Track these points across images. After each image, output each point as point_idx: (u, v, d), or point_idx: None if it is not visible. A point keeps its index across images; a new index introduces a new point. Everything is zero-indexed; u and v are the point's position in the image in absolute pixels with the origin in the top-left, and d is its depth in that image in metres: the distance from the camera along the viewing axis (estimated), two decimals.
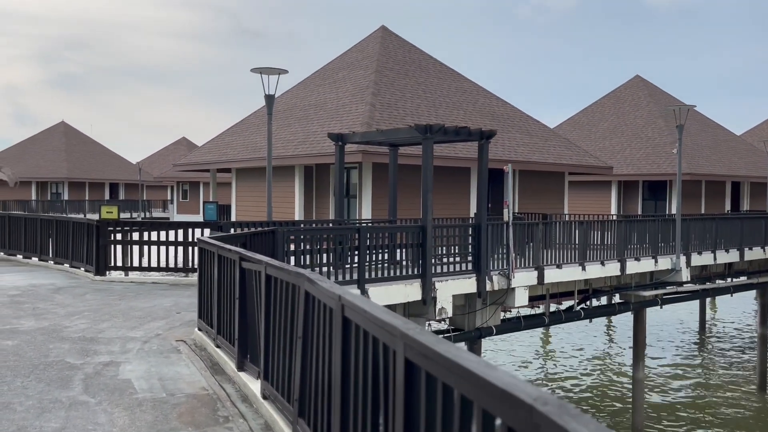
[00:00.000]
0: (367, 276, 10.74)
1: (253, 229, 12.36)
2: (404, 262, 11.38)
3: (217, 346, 6.46)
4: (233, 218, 23.37)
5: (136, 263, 12.10)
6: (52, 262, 13.81)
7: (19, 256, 15.04)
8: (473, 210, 20.73)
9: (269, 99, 13.10)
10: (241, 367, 5.69)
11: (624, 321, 25.12)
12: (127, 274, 12.10)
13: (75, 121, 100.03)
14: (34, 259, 14.48)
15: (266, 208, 21.52)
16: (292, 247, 10.02)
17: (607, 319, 26.67)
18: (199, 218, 51.63)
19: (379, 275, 11.03)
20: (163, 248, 12.18)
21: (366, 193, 18.08)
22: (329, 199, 19.50)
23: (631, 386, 18.06)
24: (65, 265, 13.26)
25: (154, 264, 12.38)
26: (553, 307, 15.48)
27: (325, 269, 10.31)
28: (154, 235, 12.37)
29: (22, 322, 8.01)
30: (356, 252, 10.63)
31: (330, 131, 19.22)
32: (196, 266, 12.00)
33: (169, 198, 59.26)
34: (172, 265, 12.14)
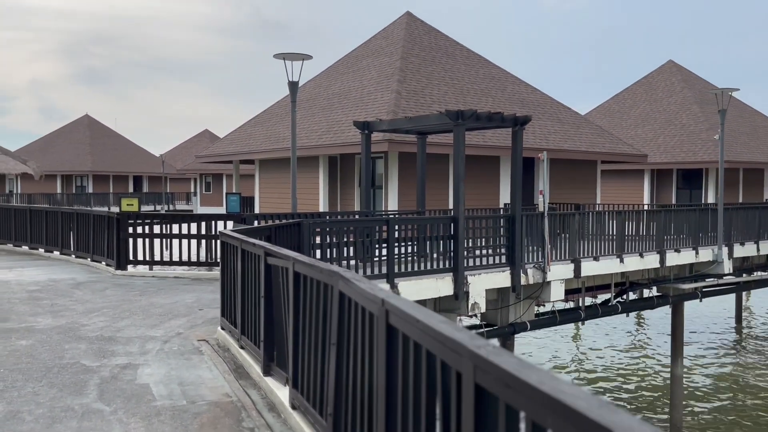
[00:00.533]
0: (396, 270, 10.25)
1: (277, 222, 11.93)
2: (434, 255, 10.86)
3: (241, 347, 6.02)
4: (257, 210, 23.03)
5: (157, 257, 11.75)
6: (73, 256, 13.54)
7: (41, 250, 14.81)
8: (503, 200, 20.09)
9: (293, 86, 12.61)
10: (267, 372, 5.22)
11: (654, 314, 24.31)
12: (150, 269, 11.76)
13: (99, 115, 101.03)
14: (56, 253, 14.24)
15: (290, 200, 21.17)
16: (318, 239, 9.57)
17: (637, 313, 25.87)
18: (223, 210, 51.53)
19: (409, 269, 10.53)
20: (185, 241, 11.81)
21: (392, 184, 17.55)
22: (354, 190, 19.02)
23: (669, 382, 17.36)
24: (87, 259, 12.98)
25: (176, 258, 12.02)
26: (588, 301, 14.83)
27: (352, 263, 9.83)
28: (175, 228, 12.00)
29: (39, 319, 7.66)
30: (384, 245, 10.14)
31: (355, 120, 18.74)
32: (219, 260, 11.62)
33: (192, 190, 59.36)
34: (194, 258, 11.76)
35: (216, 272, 11.46)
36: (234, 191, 25.49)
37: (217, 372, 5.61)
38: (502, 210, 18.54)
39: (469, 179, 19.14)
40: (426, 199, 17.63)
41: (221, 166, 46.34)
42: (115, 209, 20.04)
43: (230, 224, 11.52)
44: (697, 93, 30.55)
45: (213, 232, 11.61)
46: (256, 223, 11.38)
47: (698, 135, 27.86)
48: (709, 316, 26.16)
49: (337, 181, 19.73)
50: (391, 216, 13.12)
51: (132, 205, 11.55)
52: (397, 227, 10.35)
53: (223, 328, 6.85)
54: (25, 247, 15.43)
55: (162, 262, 11.68)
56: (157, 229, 11.84)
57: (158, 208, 52.38)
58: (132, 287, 10.16)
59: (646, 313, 25.67)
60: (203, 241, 11.78)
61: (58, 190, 53.94)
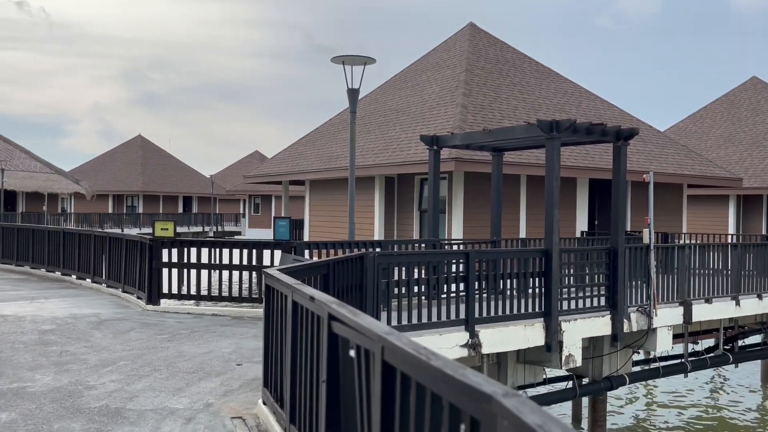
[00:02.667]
0: (476, 313, 8.37)
1: (329, 250, 10.20)
2: (514, 294, 8.93)
3: None
4: (306, 234, 21.47)
5: (193, 290, 10.17)
6: (104, 285, 12.13)
7: (73, 277, 13.50)
8: (579, 227, 17.97)
9: (352, 93, 10.97)
10: None
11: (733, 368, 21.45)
12: (186, 303, 10.19)
13: (154, 137, 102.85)
14: (87, 281, 12.88)
15: (343, 224, 19.49)
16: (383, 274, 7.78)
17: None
18: (270, 234, 50.52)
19: (492, 313, 8.62)
20: (225, 272, 10.20)
21: (457, 208, 15.69)
22: (413, 214, 17.24)
23: None
24: (118, 289, 11.53)
25: (215, 291, 10.42)
26: (689, 348, 12.57)
27: (410, 300, 7.98)
28: (215, 256, 10.40)
29: (38, 376, 6.06)
30: (452, 282, 8.28)
31: (415, 136, 17.01)
32: (261, 296, 9.95)
33: (241, 212, 58.70)
34: (236, 292, 10.13)
35: (260, 310, 9.79)
36: (283, 215, 24.02)
37: None
38: (578, 240, 16.44)
39: (537, 203, 17.13)
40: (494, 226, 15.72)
41: (270, 187, 45.34)
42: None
43: (278, 254, 9.87)
44: None
45: (257, 262, 9.98)
46: (306, 254, 9.70)
47: None
48: None
49: (394, 203, 17.99)
50: (468, 247, 11.24)
51: (167, 229, 10.03)
52: (479, 262, 8.47)
53: (264, 403, 5.09)
54: (57, 273, 14.16)
55: (199, 297, 10.09)
56: (193, 256, 10.26)
57: (207, 229, 51.72)
58: (161, 328, 8.56)
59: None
60: (246, 273, 10.15)
61: (110, 210, 54.01)
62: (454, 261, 8.59)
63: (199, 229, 50.95)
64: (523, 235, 16.39)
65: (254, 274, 10.02)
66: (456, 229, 15.57)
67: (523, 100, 18.36)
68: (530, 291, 9.00)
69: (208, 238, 43.28)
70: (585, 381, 11.07)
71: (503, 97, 18.01)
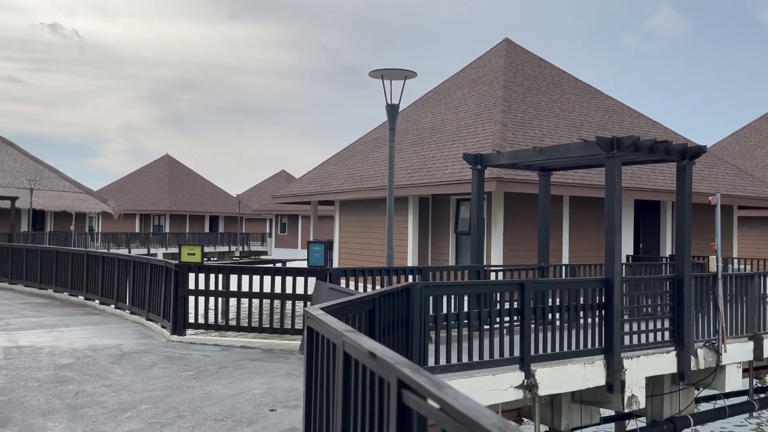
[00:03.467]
0: (532, 350, 7.54)
1: (366, 278, 9.47)
2: (578, 331, 8.08)
3: None
4: (336, 257, 20.77)
5: (221, 320, 9.49)
6: (128, 312, 11.54)
7: (96, 302, 12.96)
8: (624, 251, 16.98)
9: (391, 109, 10.29)
10: None
11: None
12: (211, 333, 9.52)
13: (182, 157, 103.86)
14: (111, 307, 12.31)
15: (375, 246, 18.78)
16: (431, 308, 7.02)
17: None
18: (297, 253, 49.94)
19: (548, 350, 7.78)
20: (255, 300, 9.51)
21: (496, 231, 14.87)
22: (449, 237, 16.45)
23: None
24: (141, 317, 10.92)
25: (244, 318, 9.75)
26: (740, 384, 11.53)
27: (461, 335, 7.18)
28: (245, 282, 9.72)
29: (50, 424, 5.40)
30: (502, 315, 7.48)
31: (451, 155, 16.28)
32: (295, 327, 9.24)
33: (267, 231, 58.41)
34: (267, 322, 9.42)
35: (291, 342, 9.08)
36: (311, 236, 23.40)
37: None
38: (624, 266, 15.48)
39: (583, 227, 16.22)
40: (530, 252, 14.85)
41: (297, 206, 44.94)
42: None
43: (312, 281, 9.17)
44: None
45: (291, 290, 9.29)
46: (342, 282, 8.99)
47: None
48: None
49: (428, 226, 17.23)
50: (517, 275, 10.43)
51: (194, 254, 9.40)
52: (534, 294, 7.65)
53: None
54: (80, 297, 13.65)
55: (227, 327, 9.41)
56: (221, 282, 9.60)
57: (233, 249, 51.43)
58: (187, 363, 7.88)
59: None
60: (278, 301, 9.46)
61: (137, 229, 54.08)
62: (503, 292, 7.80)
63: (225, 248, 50.69)
64: (566, 260, 15.49)
65: (287, 302, 9.33)
66: (495, 253, 14.73)
67: (564, 118, 17.56)
68: (582, 323, 8.15)
69: (237, 264, 42.91)
70: (642, 421, 10.12)
71: (543, 114, 17.23)
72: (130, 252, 43.75)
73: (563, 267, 11.90)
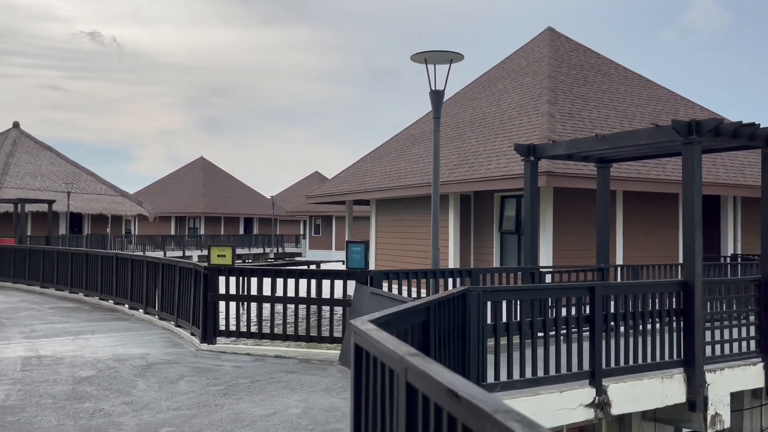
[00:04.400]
0: (603, 363, 6.63)
1: (410, 281, 8.65)
2: (654, 339, 7.13)
3: None
4: (372, 258, 19.99)
5: (254, 327, 8.78)
6: (157, 317, 10.94)
7: (126, 306, 12.41)
8: (682, 252, 15.80)
9: (436, 96, 9.45)
10: None
11: None
12: (243, 341, 8.82)
13: (216, 160, 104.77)
14: (140, 311, 11.75)
15: (414, 247, 17.94)
16: (488, 315, 6.16)
17: None
18: (332, 255, 49.42)
19: (621, 362, 6.85)
20: (290, 306, 8.78)
21: (545, 230, 13.89)
22: (492, 236, 15.52)
23: None
24: (171, 322, 10.29)
25: (278, 324, 9.02)
26: None
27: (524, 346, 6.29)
28: (279, 286, 8.99)
29: None
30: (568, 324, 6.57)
31: (494, 149, 15.36)
32: (334, 334, 8.46)
33: (301, 233, 58.05)
34: (303, 330, 8.68)
35: (329, 352, 8.31)
36: (347, 237, 22.66)
37: None
38: (680, 267, 14.35)
39: (638, 225, 15.13)
40: (579, 252, 13.85)
41: (331, 207, 44.34)
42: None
43: (351, 285, 8.39)
44: None
45: (326, 293, 8.53)
46: (384, 285, 8.19)
47: None
48: None
49: (470, 224, 16.32)
50: (574, 277, 9.49)
51: (224, 256, 8.71)
52: (605, 298, 6.73)
53: None
54: (110, 302, 13.13)
55: (260, 335, 8.69)
56: (254, 285, 8.88)
57: (267, 250, 51.16)
58: (216, 376, 7.17)
59: None
60: (314, 306, 8.70)
61: (172, 232, 54.24)
62: (567, 297, 6.90)
63: (260, 250, 50.44)
64: (619, 260, 14.43)
65: (324, 308, 8.56)
66: (544, 254, 13.76)
67: (614, 108, 16.47)
68: (654, 331, 7.18)
69: (270, 266, 42.51)
70: None
71: (592, 104, 16.18)
72: (165, 254, 43.76)
73: (624, 268, 10.89)
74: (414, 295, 8.47)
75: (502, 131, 15.78)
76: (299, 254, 51.34)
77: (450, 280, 8.75)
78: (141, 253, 41.29)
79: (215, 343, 8.70)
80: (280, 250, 52.56)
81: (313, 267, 48.20)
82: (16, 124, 44.43)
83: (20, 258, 17.23)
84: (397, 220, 18.88)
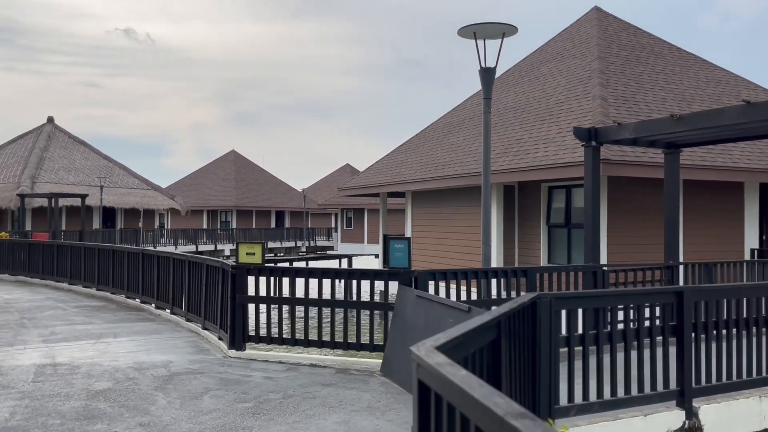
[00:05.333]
0: (693, 381, 5.65)
1: (459, 282, 7.75)
2: (750, 351, 6.11)
3: None
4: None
5: (286, 332, 7.98)
6: (183, 318, 10.25)
7: (152, 305, 11.77)
8: (748, 245, 14.57)
9: (486, 74, 8.49)
10: None
11: None
12: (274, 347, 8.04)
13: (247, 154, 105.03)
14: (166, 312, 11.08)
15: (456, 243, 16.99)
16: (563, 326, 5.24)
17: None
18: (364, 248, 48.63)
19: (712, 379, 5.85)
20: (326, 309, 7.96)
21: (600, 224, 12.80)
22: (539, 230, 14.50)
23: None
24: (197, 324, 9.59)
25: (312, 332, 8.21)
26: None
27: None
28: (312, 287, 8.18)
29: None
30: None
31: (541, 136, 14.33)
32: (374, 341, 7.62)
33: (332, 226, 57.47)
34: (340, 336, 7.86)
35: (371, 360, 7.47)
36: (381, 230, 21.81)
37: None
38: (747, 263, 13.12)
39: (700, 217, 13.94)
40: (634, 247, 12.77)
41: (363, 200, 43.57)
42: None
43: (394, 286, 7.53)
44: None
45: (364, 294, 7.68)
46: (431, 287, 7.33)
47: None
48: None
49: (514, 217, 15.32)
50: (644, 276, 8.47)
51: (253, 253, 7.93)
52: (701, 305, 5.74)
53: None
54: (137, 300, 12.52)
55: (293, 340, 7.89)
56: (285, 285, 8.08)
57: (299, 244, 50.68)
58: (245, 390, 6.38)
59: None
60: (352, 310, 7.86)
61: (204, 225, 54.15)
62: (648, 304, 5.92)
63: (291, 244, 49.99)
64: (680, 256, 13.27)
65: (364, 311, 7.71)
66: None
67: (670, 91, 15.26)
68: (746, 340, 6.16)
69: (303, 262, 41.86)
70: None
71: (647, 87, 15.00)
72: (197, 248, 43.53)
73: (695, 266, 9.80)
74: (463, 297, 7.57)
75: (549, 117, 14.72)
76: (331, 248, 50.75)
77: (503, 280, 7.83)
78: (173, 248, 41.17)
79: (244, 349, 7.94)
80: (312, 243, 52.04)
81: (345, 260, 47.48)
82: (50, 119, 44.60)
83: (48, 254, 16.81)
84: (435, 213, 17.96)
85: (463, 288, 7.81)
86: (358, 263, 51.12)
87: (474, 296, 8.06)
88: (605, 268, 8.60)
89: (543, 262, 14.26)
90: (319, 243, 52.63)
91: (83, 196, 34.19)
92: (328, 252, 50.02)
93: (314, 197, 57.51)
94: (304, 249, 50.40)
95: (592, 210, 8.52)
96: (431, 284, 7.35)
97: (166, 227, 51.43)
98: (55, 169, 40.24)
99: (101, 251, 14.38)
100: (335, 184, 56.92)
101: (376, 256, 46.01)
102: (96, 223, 40.02)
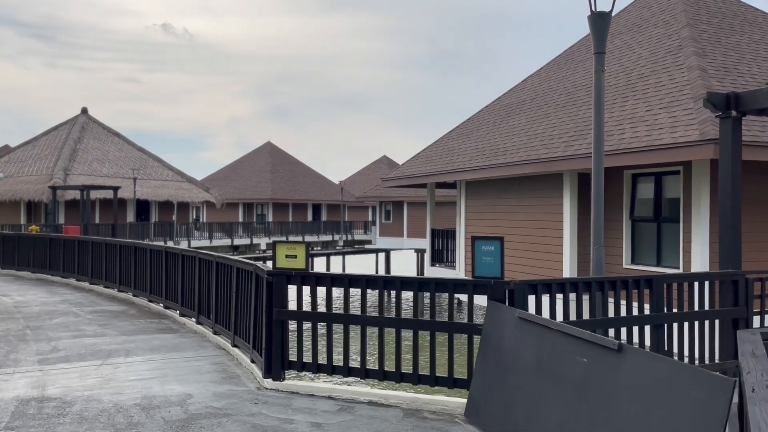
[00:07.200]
0: None
1: (568, 295, 5.88)
2: None
3: None
4: (461, 255, 17.21)
5: (337, 359, 6.21)
6: (211, 330, 8.59)
7: (176, 312, 10.18)
8: None
9: (600, 21, 6.55)
10: None
11: None
12: (322, 377, 6.28)
13: (284, 146, 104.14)
14: (192, 320, 9.46)
15: (515, 238, 15.00)
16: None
17: None
18: (403, 242, 46.65)
19: None
20: (390, 329, 6.16)
21: (699, 219, 10.75)
22: (622, 225, 12.47)
23: None
24: (226, 339, 7.92)
25: (371, 356, 6.44)
26: None
27: None
28: (368, 297, 6.39)
29: None
30: None
31: (623, 116, 12.26)
32: (452, 374, 5.80)
33: (370, 219, 55.75)
34: (408, 366, 6.05)
35: (450, 399, 5.65)
36: (428, 225, 19.92)
37: None
38: None
39: (753, 202, 11.72)
40: (757, 244, 10.65)
41: (401, 192, 41.71)
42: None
43: (482, 300, 5.71)
44: None
45: (433, 307, 5.86)
46: (531, 303, 5.50)
47: None
48: None
49: (589, 210, 13.29)
50: None
51: (295, 256, 6.19)
52: None
53: None
54: (160, 305, 10.96)
55: (347, 369, 6.11)
56: (335, 296, 6.31)
57: (336, 238, 49.14)
58: None
59: None
60: (424, 332, 6.05)
61: (240, 218, 53.05)
62: None
63: (328, 237, 48.46)
64: None
65: (438, 334, 5.89)
66: (699, 251, 10.64)
67: None
68: None
69: (359, 274, 40.04)
70: None
71: (749, 57, 12.80)
72: (233, 242, 42.30)
73: None
74: (558, 315, 5.69)
75: (632, 93, 12.65)
76: (369, 241, 49.05)
77: (623, 293, 5.92)
78: (207, 241, 39.94)
79: (283, 379, 6.20)
80: (349, 237, 50.44)
81: (382, 255, 45.60)
82: (84, 110, 43.82)
83: (69, 250, 15.44)
84: (493, 205, 16.02)
85: (559, 298, 5.94)
86: (398, 258, 49.32)
87: (572, 312, 6.18)
88: (748, 277, 6.60)
89: (626, 262, 12.25)
90: (357, 237, 50.99)
91: (115, 189, 33.13)
92: (366, 246, 48.37)
93: (351, 190, 55.91)
94: (341, 243, 48.83)
95: (731, 200, 6.55)
96: (532, 299, 5.50)
97: (201, 220, 50.43)
98: (89, 161, 39.39)
99: (123, 248, 12.87)
100: (372, 177, 55.15)
101: (417, 250, 44.19)
102: (130, 216, 39.09)
